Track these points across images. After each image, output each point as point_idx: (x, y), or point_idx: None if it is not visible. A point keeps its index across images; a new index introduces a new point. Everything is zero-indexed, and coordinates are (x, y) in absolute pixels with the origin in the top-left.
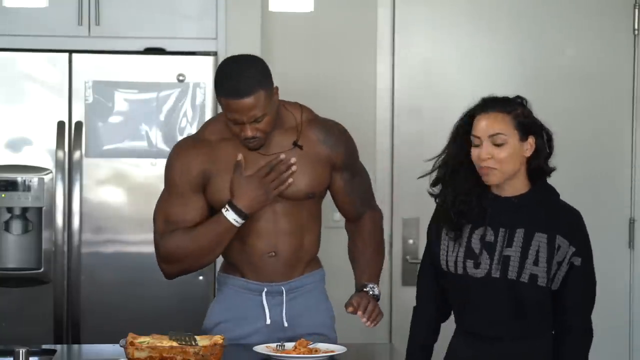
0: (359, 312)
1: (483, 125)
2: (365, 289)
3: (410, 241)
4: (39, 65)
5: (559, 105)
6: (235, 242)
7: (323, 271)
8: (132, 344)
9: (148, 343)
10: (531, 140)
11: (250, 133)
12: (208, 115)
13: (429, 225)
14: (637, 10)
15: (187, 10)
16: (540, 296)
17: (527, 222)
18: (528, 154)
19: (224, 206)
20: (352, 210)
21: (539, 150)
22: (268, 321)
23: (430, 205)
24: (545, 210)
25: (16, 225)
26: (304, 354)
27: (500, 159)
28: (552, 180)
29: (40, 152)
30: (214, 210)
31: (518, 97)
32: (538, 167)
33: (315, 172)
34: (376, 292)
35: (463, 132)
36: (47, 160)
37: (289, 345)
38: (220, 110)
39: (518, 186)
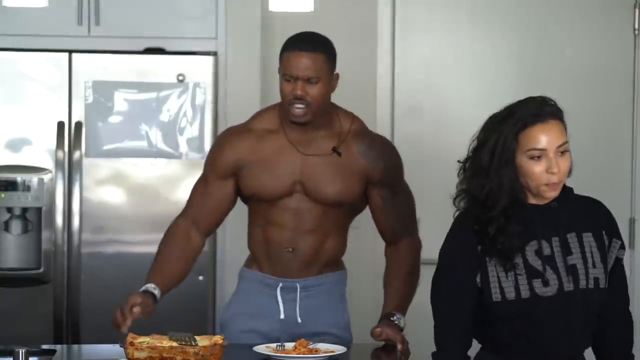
0: (399, 346)
1: (546, 136)
2: (392, 318)
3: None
4: (39, 65)
5: (558, 105)
6: (257, 234)
7: (345, 274)
8: (132, 344)
9: (148, 343)
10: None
11: (300, 91)
12: (208, 115)
13: (446, 250)
14: (637, 10)
15: (187, 10)
16: (602, 300)
17: (573, 226)
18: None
19: (249, 196)
20: (388, 231)
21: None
22: (282, 316)
23: (431, 205)
24: (580, 209)
25: (16, 225)
26: (304, 354)
27: (564, 169)
28: None
29: (40, 152)
30: (244, 197)
31: (551, 99)
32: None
33: (347, 182)
34: (402, 324)
35: (511, 142)
36: (47, 160)
37: (289, 345)
38: (219, 111)
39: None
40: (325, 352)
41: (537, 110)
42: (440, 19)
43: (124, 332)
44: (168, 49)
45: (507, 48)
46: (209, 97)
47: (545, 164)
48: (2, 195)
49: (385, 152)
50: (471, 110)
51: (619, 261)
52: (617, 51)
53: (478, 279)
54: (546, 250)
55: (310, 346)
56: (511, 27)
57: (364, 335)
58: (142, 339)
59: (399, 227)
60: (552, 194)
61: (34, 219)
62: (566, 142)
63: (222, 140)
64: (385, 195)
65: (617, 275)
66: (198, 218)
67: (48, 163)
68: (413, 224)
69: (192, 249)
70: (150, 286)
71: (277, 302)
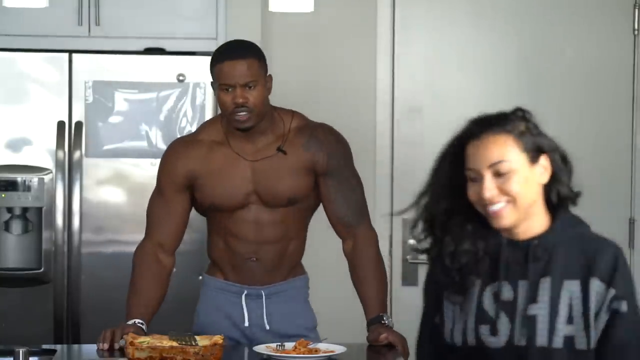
0: (400, 347)
1: (479, 154)
2: (382, 321)
3: (411, 241)
4: (39, 65)
5: (559, 105)
6: (219, 243)
7: (306, 277)
8: (132, 344)
9: (148, 343)
10: (544, 161)
11: (240, 99)
12: (208, 115)
13: (425, 286)
14: (637, 10)
15: (187, 10)
16: None
17: (554, 269)
18: (544, 179)
19: (206, 207)
20: (340, 222)
21: (558, 171)
22: (247, 323)
23: None
24: (575, 250)
25: (16, 225)
26: (304, 354)
27: (508, 192)
28: None
29: (40, 152)
30: (198, 208)
31: (518, 109)
32: (560, 195)
33: (297, 178)
34: (392, 324)
35: (455, 163)
36: (47, 160)
37: (289, 345)
38: (219, 111)
39: (536, 223)
40: (325, 352)
41: (478, 125)
42: (440, 19)
43: (104, 348)
44: (168, 49)
45: (507, 48)
46: (209, 97)
47: (479, 186)
48: (3, 195)
49: (327, 140)
50: (471, 110)
51: (620, 315)
52: (617, 51)
53: (437, 318)
54: (507, 295)
55: (311, 346)
56: (511, 27)
57: (350, 334)
58: (142, 339)
59: (351, 215)
60: (499, 222)
61: (34, 219)
62: (503, 161)
63: (173, 152)
64: (333, 184)
65: (616, 333)
66: (163, 239)
67: (48, 163)
68: (365, 211)
69: (166, 272)
70: (138, 321)
71: (242, 308)
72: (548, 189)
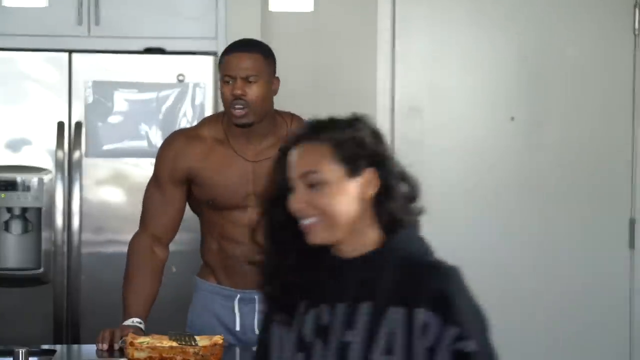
0: None
1: (293, 163)
2: None
3: None
4: (39, 65)
5: (559, 105)
6: (212, 245)
7: None
8: (132, 344)
9: (148, 343)
10: (370, 174)
11: (238, 90)
12: (208, 115)
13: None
14: (637, 10)
15: (187, 10)
16: None
17: (378, 293)
18: (370, 193)
19: (204, 203)
20: None
21: (389, 186)
22: (238, 327)
23: (430, 206)
24: (402, 274)
25: (16, 226)
26: None
27: (319, 206)
28: (550, 182)
29: (40, 152)
30: (194, 204)
31: (354, 116)
32: (390, 212)
33: None
34: None
35: (282, 170)
36: (47, 160)
37: None
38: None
39: (366, 241)
40: None
41: (300, 130)
42: (440, 18)
43: (103, 349)
44: (168, 49)
45: (508, 48)
46: (209, 97)
47: (293, 197)
48: (2, 195)
49: None
50: (471, 110)
51: (467, 358)
52: (617, 51)
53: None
54: (325, 319)
55: None
56: (511, 27)
57: None
58: (142, 339)
59: None
60: (311, 237)
61: (33, 219)
62: (312, 172)
63: (173, 146)
64: None
65: None
66: (159, 231)
67: (48, 163)
68: None
69: (161, 265)
70: (136, 320)
71: (234, 313)
72: (378, 204)
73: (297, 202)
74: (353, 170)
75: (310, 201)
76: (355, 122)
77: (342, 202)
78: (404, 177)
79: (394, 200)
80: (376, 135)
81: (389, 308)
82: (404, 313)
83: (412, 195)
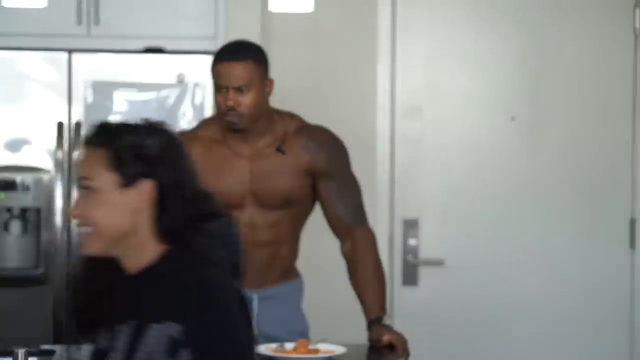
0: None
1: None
2: (382, 323)
3: (411, 241)
4: (38, 64)
5: (559, 105)
6: None
7: (300, 282)
8: None
9: None
10: (148, 185)
11: (231, 102)
12: (207, 115)
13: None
14: (637, 11)
15: (187, 10)
16: None
17: (142, 311)
18: (142, 206)
19: None
20: (339, 223)
21: (165, 200)
22: None
23: (430, 206)
24: (167, 289)
25: (15, 226)
26: (304, 354)
27: (88, 215)
28: (550, 182)
29: (40, 152)
30: None
31: (148, 123)
32: (164, 226)
33: (294, 178)
34: (391, 325)
35: None
36: (47, 160)
37: (289, 345)
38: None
39: (145, 255)
40: (325, 352)
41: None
42: (440, 18)
43: None
44: (168, 48)
45: (508, 48)
46: (209, 97)
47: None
48: (2, 195)
49: (326, 142)
50: (471, 110)
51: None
52: (617, 51)
53: None
54: (101, 342)
55: (311, 346)
56: (511, 27)
57: (350, 334)
58: None
59: (350, 216)
60: (83, 249)
61: (33, 219)
62: (85, 179)
63: None
64: (331, 186)
65: None
66: None
67: (47, 163)
68: (362, 212)
69: None
70: None
71: None
72: (159, 217)
73: (73, 209)
74: (127, 180)
75: (83, 209)
76: (142, 130)
77: (110, 213)
78: (189, 190)
79: (169, 215)
80: (170, 145)
81: (150, 325)
82: (160, 329)
83: (199, 209)
